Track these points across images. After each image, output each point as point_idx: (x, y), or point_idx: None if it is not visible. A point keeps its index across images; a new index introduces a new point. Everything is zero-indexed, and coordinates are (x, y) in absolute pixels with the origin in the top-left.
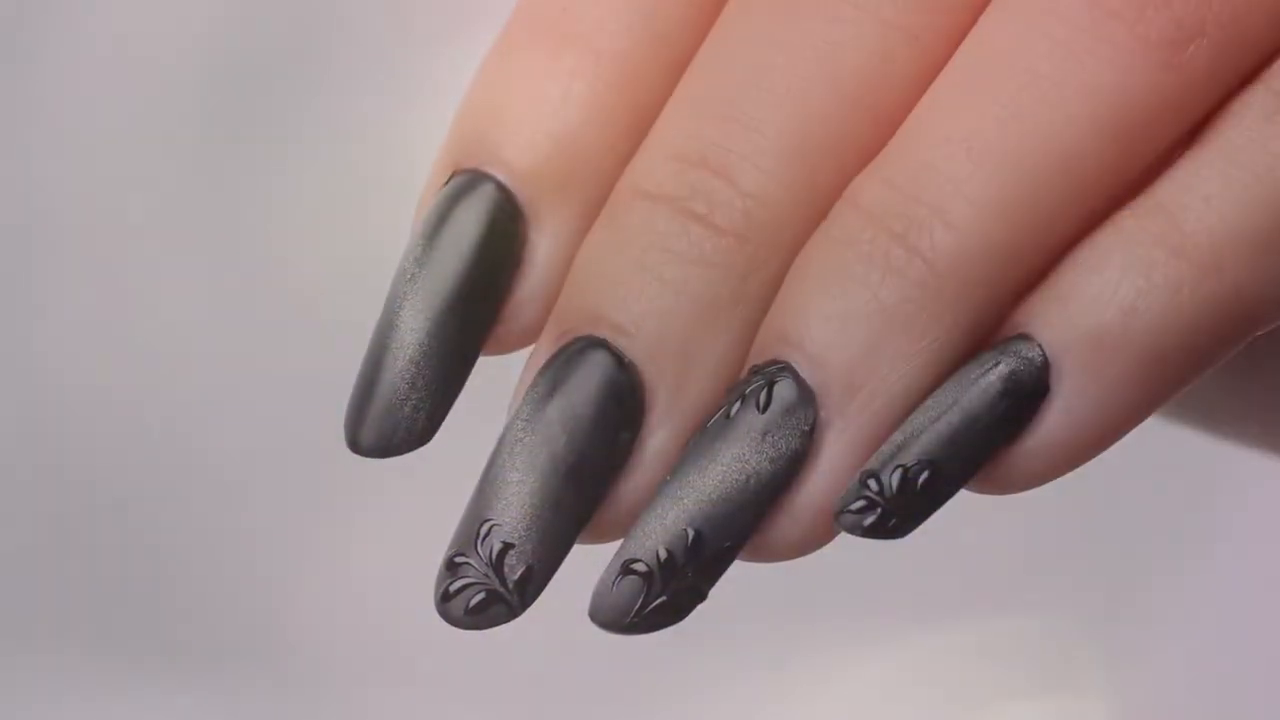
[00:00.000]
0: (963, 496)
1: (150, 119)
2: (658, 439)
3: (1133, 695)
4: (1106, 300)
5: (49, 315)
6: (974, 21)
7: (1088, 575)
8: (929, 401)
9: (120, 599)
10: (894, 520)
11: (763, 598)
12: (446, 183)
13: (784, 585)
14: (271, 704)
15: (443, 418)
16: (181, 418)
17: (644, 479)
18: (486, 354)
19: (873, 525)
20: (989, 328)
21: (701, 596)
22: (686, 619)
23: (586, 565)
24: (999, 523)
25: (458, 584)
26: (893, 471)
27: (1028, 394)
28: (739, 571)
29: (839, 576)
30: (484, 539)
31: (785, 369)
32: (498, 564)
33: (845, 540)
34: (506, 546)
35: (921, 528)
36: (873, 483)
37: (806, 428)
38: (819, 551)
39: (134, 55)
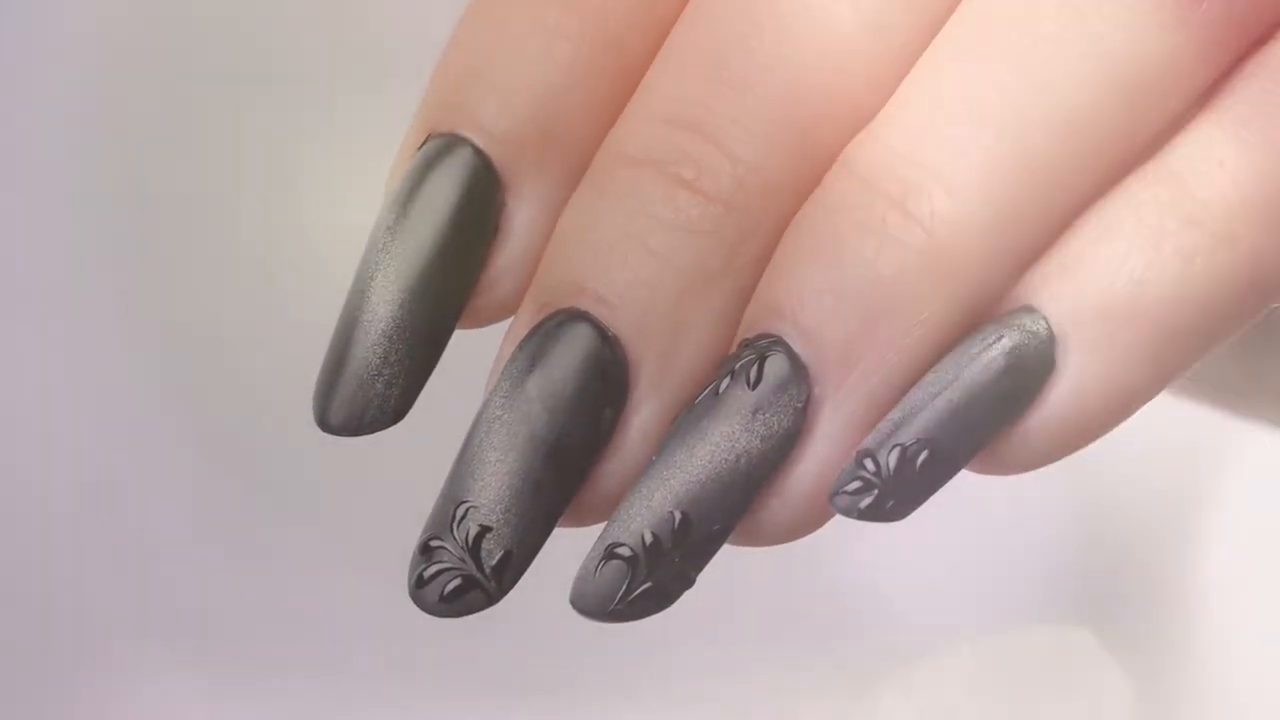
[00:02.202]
0: (963, 478)
1: (146, 109)
2: (643, 416)
3: (1156, 684)
4: (1115, 271)
5: (45, 299)
6: None
7: (1097, 562)
8: (928, 377)
9: (107, 586)
10: (891, 502)
11: (771, 605)
12: (421, 147)
13: (794, 591)
14: (247, 697)
15: (416, 394)
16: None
17: (628, 459)
18: (463, 327)
19: (869, 507)
20: (992, 300)
21: (689, 582)
22: (673, 607)
23: (568, 550)
24: (994, 509)
25: (432, 569)
26: (890, 451)
27: (1032, 369)
28: (742, 574)
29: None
30: (460, 522)
31: (777, 343)
32: (474, 548)
33: (858, 535)
34: (483, 530)
35: (919, 514)
36: (869, 463)
37: (799, 405)
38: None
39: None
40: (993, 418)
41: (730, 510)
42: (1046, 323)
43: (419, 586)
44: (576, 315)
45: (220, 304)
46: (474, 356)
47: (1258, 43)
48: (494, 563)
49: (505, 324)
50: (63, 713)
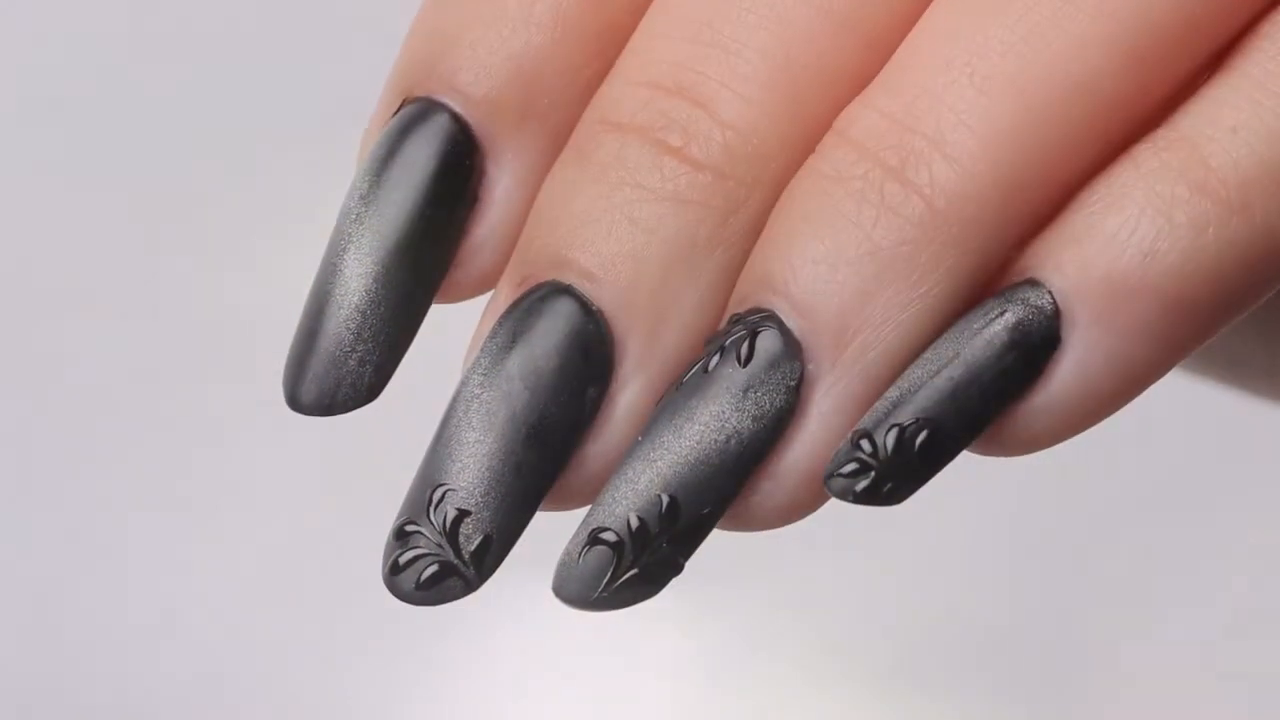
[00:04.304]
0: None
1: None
2: (628, 395)
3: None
4: (1123, 242)
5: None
6: None
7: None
8: (928, 354)
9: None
10: (889, 485)
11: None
12: (396, 113)
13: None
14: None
15: (391, 372)
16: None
17: (613, 439)
18: (440, 302)
19: (866, 490)
20: (994, 272)
21: (677, 569)
22: (660, 594)
23: (550, 535)
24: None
25: (408, 555)
26: (888, 431)
27: (1036, 345)
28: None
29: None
30: (437, 505)
31: (769, 318)
32: (452, 533)
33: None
34: (462, 514)
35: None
36: (866, 443)
37: (792, 383)
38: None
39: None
40: (995, 396)
41: (720, 493)
42: (1051, 297)
43: (394, 573)
44: (559, 289)
45: (192, 282)
46: (452, 332)
47: (1273, 2)
48: (473, 548)
49: (485, 298)
50: None
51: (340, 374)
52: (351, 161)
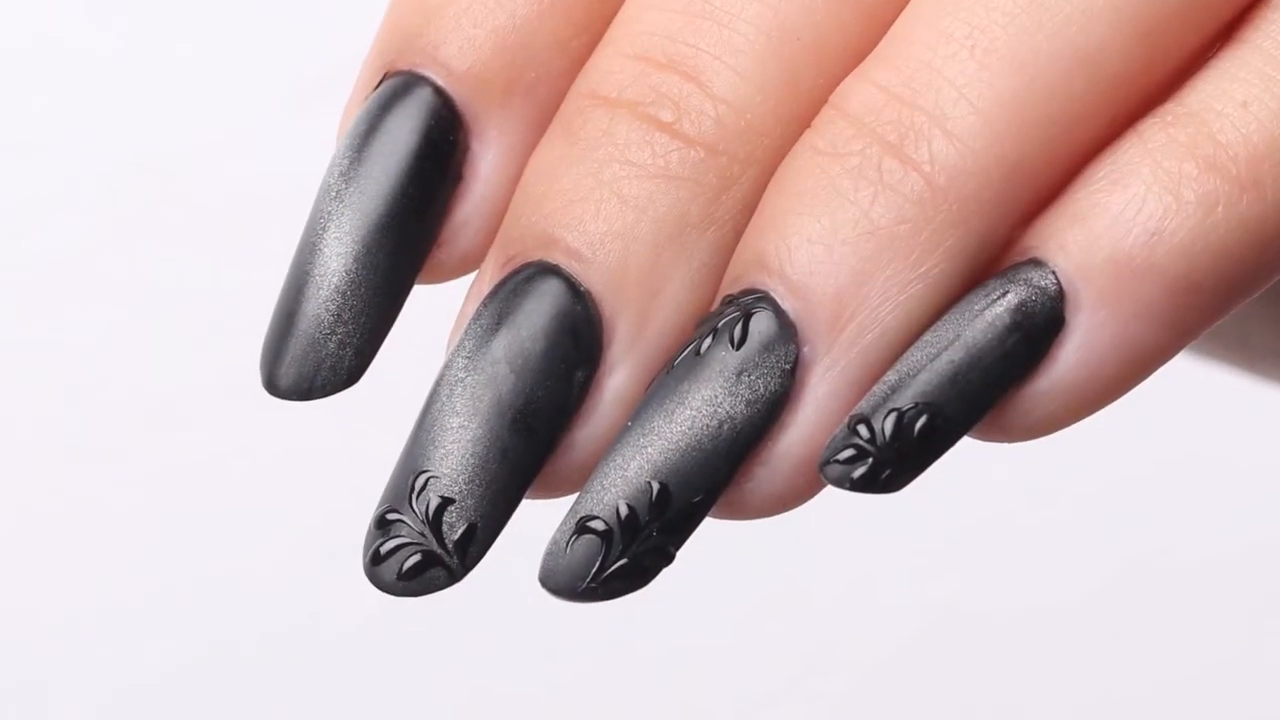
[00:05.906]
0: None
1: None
2: (618, 379)
3: None
4: (1130, 220)
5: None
6: None
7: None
8: (927, 336)
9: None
10: (887, 471)
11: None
12: (377, 87)
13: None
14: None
15: (373, 355)
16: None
17: (602, 424)
18: (422, 282)
19: (863, 477)
20: (996, 252)
21: (668, 559)
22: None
23: (537, 523)
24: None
25: (389, 544)
26: (886, 416)
27: (1040, 327)
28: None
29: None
30: (419, 493)
31: (763, 299)
32: (435, 522)
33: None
34: (445, 502)
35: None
36: (863, 429)
37: (787, 366)
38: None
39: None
40: (997, 380)
41: (712, 480)
42: (1055, 277)
43: (375, 563)
44: (546, 269)
45: (167, 261)
46: (435, 314)
47: None
48: (456, 537)
49: (469, 279)
50: None
51: (319, 357)
52: (332, 137)
